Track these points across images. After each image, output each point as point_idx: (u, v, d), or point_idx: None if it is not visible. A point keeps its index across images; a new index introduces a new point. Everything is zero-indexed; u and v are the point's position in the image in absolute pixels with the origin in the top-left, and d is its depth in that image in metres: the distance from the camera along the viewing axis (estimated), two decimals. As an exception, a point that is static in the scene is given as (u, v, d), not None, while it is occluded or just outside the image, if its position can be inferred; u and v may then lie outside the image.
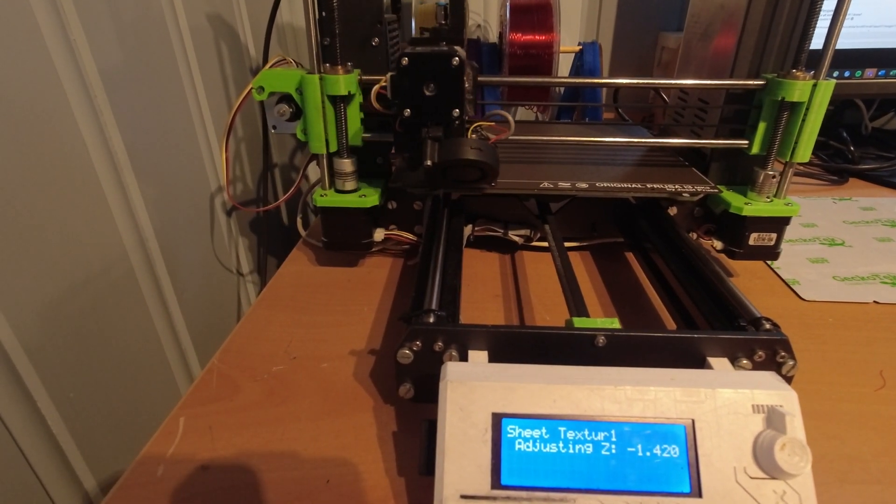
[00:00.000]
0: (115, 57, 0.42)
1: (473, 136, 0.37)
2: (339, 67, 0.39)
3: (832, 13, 0.36)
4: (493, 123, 0.38)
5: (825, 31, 0.37)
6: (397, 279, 0.47)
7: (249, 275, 0.67)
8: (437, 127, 0.37)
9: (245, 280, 0.66)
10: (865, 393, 0.34)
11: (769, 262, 0.49)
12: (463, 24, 0.39)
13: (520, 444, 0.23)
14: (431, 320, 0.29)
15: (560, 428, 0.23)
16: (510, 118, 0.38)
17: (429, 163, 0.36)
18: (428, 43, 0.37)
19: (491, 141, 0.38)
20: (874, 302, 0.43)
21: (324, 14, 0.39)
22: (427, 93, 0.36)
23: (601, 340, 0.28)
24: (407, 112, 0.37)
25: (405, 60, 0.35)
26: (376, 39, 0.42)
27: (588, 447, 0.23)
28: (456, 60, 0.35)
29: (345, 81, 0.39)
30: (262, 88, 0.41)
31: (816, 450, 0.21)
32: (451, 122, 0.37)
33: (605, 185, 0.44)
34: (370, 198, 0.43)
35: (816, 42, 0.36)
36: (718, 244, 0.45)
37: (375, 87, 0.39)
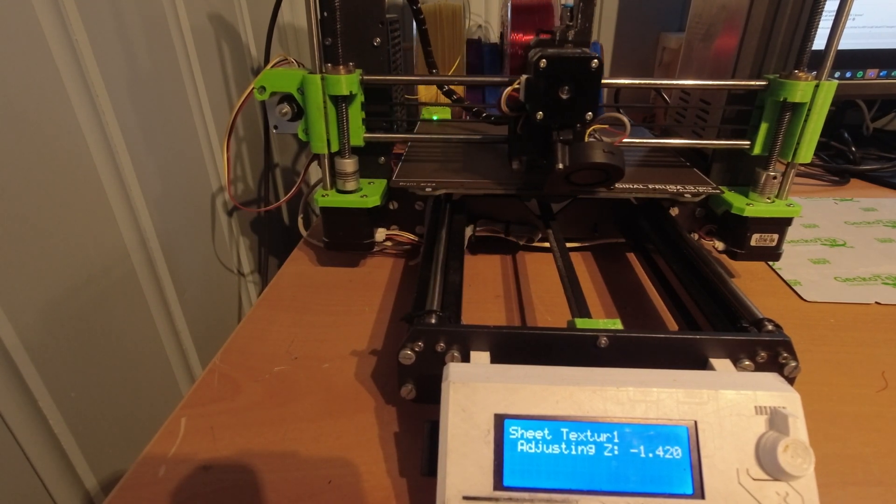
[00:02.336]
0: (117, 57, 0.42)
1: (590, 138, 0.37)
2: (341, 67, 0.39)
3: (834, 14, 0.36)
4: (606, 126, 0.38)
5: (827, 31, 0.37)
6: (398, 279, 0.47)
7: (250, 275, 0.67)
8: (568, 130, 0.36)
9: (246, 280, 0.66)
10: (867, 394, 0.34)
11: (770, 263, 0.49)
12: (591, 25, 0.38)
13: (522, 445, 0.23)
14: (433, 321, 0.29)
15: (562, 429, 0.23)
16: (626, 120, 0.38)
17: (561, 166, 0.35)
18: (551, 45, 0.37)
19: (615, 143, 0.37)
20: (876, 303, 0.43)
21: (325, 14, 0.39)
22: (562, 95, 0.35)
23: (603, 341, 0.28)
24: (539, 115, 0.36)
25: (543, 63, 0.35)
26: (378, 39, 0.42)
27: (590, 448, 0.23)
28: (595, 63, 0.35)
29: (346, 81, 0.39)
30: (263, 88, 0.41)
31: (818, 451, 0.21)
32: (582, 125, 0.36)
33: (607, 185, 0.44)
34: (372, 198, 0.43)
35: (818, 43, 0.36)
36: (720, 245, 0.45)
37: (508, 90, 0.38)
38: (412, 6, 0.46)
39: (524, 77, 0.37)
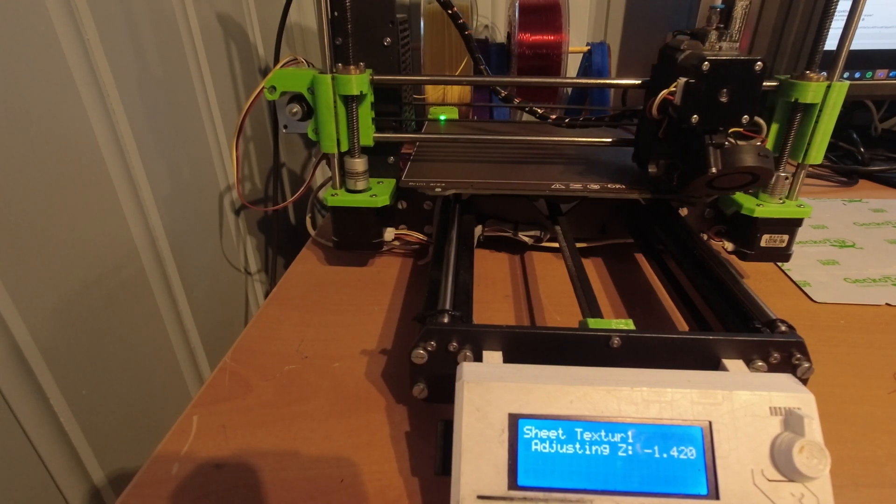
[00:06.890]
0: (127, 56, 0.43)
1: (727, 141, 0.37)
2: (352, 67, 0.39)
3: (846, 14, 0.36)
4: (741, 129, 0.37)
5: (838, 31, 0.37)
6: (407, 279, 0.47)
7: (257, 274, 0.67)
8: (721, 134, 0.36)
9: (253, 279, 0.66)
10: (878, 395, 0.34)
11: (779, 264, 0.49)
12: (742, 27, 0.38)
13: (536, 444, 0.23)
14: (446, 320, 0.29)
15: (577, 429, 0.23)
16: (761, 122, 0.38)
17: (714, 170, 0.35)
18: (699, 48, 0.37)
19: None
20: (886, 304, 0.43)
21: (336, 14, 0.39)
22: (721, 99, 0.35)
23: (616, 341, 0.28)
24: (695, 118, 0.36)
25: (706, 66, 0.34)
26: (388, 39, 0.42)
27: (605, 448, 0.23)
28: (759, 66, 0.34)
29: (357, 81, 0.39)
30: (273, 88, 0.41)
31: (830, 453, 0.21)
32: (734, 128, 0.36)
33: (617, 185, 0.44)
34: (381, 197, 0.43)
35: (828, 43, 0.36)
36: (729, 245, 0.45)
37: (664, 93, 0.38)
38: (447, 10, 0.46)
39: (682, 80, 0.36)
